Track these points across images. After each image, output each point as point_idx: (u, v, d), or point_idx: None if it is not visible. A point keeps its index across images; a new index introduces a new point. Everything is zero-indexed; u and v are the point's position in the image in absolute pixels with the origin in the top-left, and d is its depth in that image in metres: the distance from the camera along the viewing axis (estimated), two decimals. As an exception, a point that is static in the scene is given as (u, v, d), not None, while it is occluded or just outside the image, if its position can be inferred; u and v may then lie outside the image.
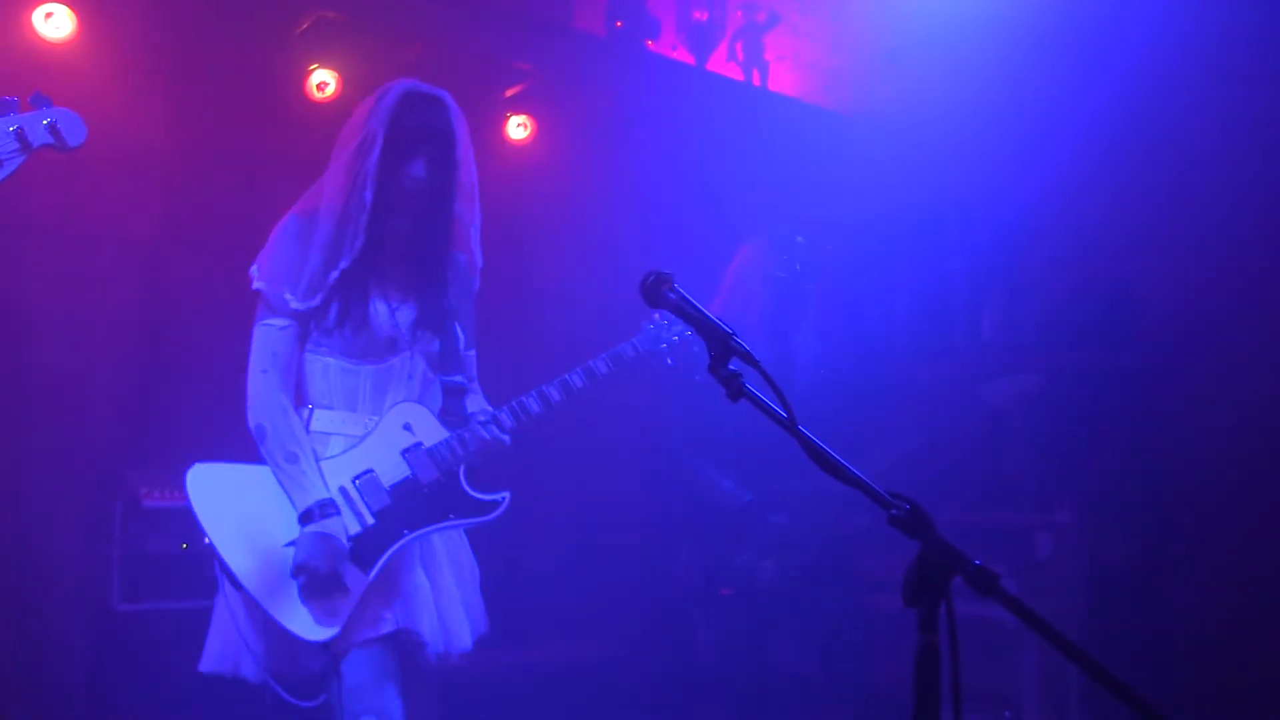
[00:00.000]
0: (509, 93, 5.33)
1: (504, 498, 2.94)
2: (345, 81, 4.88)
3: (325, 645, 2.69)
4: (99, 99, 4.29)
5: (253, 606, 2.67)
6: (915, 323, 5.47)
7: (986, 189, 5.20)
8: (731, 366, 1.98)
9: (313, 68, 4.82)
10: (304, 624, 2.66)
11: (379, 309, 2.90)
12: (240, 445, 4.80)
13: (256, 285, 2.86)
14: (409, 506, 2.83)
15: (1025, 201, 4.96)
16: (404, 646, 2.81)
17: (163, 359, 4.66)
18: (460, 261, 3.07)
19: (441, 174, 2.89)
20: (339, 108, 4.79)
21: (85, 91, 4.29)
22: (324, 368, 2.90)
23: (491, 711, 4.36)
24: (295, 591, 2.67)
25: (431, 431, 2.90)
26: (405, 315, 2.94)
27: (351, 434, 2.87)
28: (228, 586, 2.70)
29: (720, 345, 1.98)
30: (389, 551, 2.78)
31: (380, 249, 2.88)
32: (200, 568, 4.15)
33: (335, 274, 2.84)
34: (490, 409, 2.98)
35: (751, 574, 3.85)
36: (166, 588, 4.13)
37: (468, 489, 2.92)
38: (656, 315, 3.22)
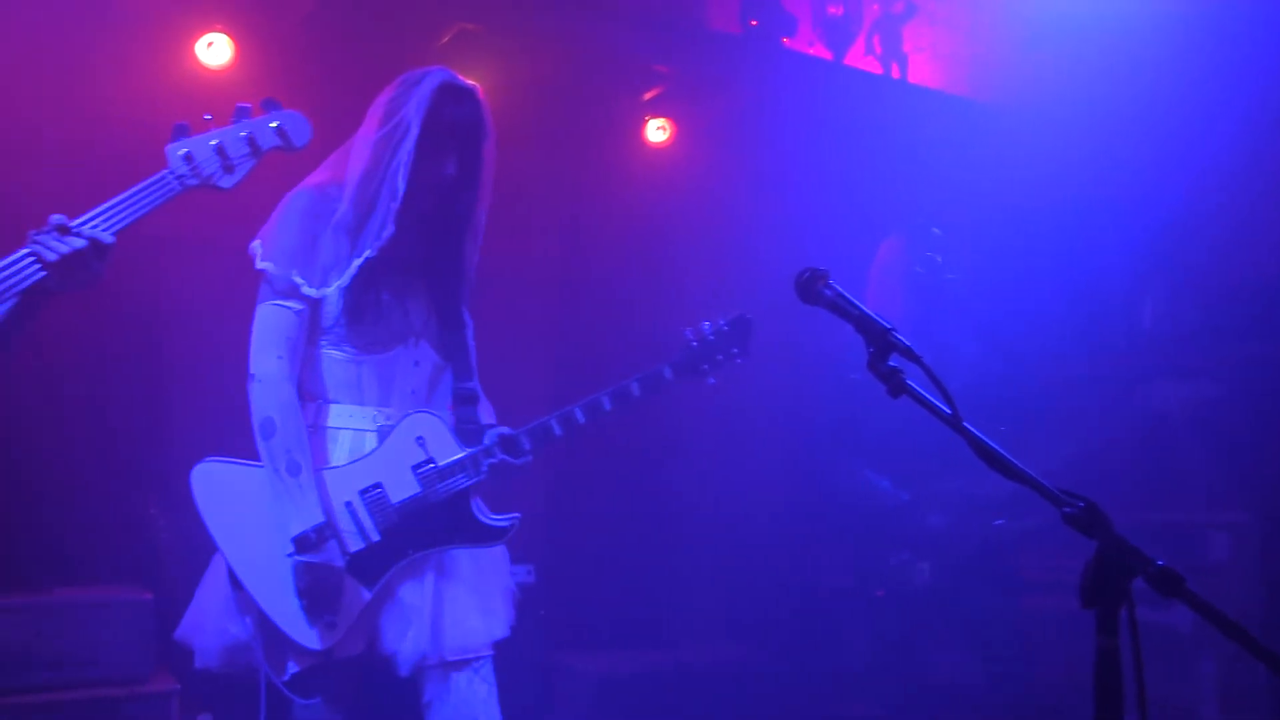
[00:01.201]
0: (647, 96, 5.35)
1: (512, 521, 2.84)
2: (486, 92, 4.93)
3: (323, 654, 2.68)
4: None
5: (257, 610, 2.67)
6: (1068, 317, 5.30)
7: (1141, 178, 5.00)
8: (891, 363, 1.94)
9: (456, 80, 4.90)
10: (303, 633, 2.66)
11: (391, 299, 2.83)
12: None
13: (261, 265, 2.73)
14: (416, 526, 2.75)
15: (1183, 191, 4.76)
16: (375, 664, 2.77)
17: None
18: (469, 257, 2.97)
19: (470, 170, 2.82)
20: (482, 118, 4.88)
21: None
22: (329, 361, 2.81)
23: (640, 714, 4.38)
24: (298, 604, 2.65)
25: (445, 447, 2.80)
26: (417, 307, 2.88)
27: (360, 428, 2.80)
28: (228, 581, 2.69)
29: (879, 341, 1.93)
30: (391, 570, 2.73)
31: (400, 239, 2.78)
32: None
33: (359, 263, 2.74)
34: (503, 427, 2.87)
35: (906, 575, 3.78)
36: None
37: (477, 513, 2.82)
38: (704, 326, 2.98)
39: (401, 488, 2.75)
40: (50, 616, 3.62)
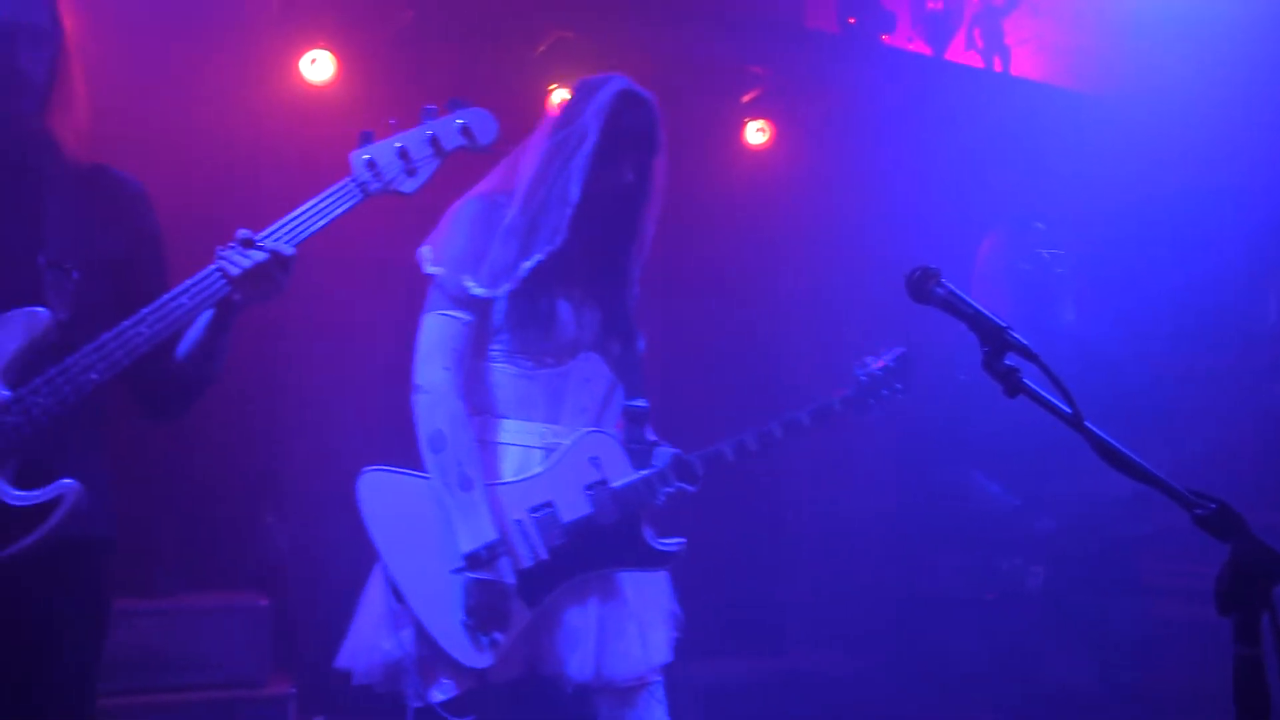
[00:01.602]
0: (746, 98, 5.31)
1: (679, 546, 2.80)
2: (584, 99, 4.97)
3: (481, 674, 2.62)
4: (357, 133, 4.55)
5: (417, 627, 2.61)
6: (1183, 312, 5.13)
7: (1259, 167, 4.83)
8: (1007, 362, 1.89)
9: (552, 87, 4.93)
10: (465, 651, 2.59)
11: (563, 312, 2.75)
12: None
13: (431, 269, 2.70)
14: (584, 547, 2.69)
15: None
16: (535, 687, 2.71)
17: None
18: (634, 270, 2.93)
19: (644, 180, 2.78)
20: (581, 125, 4.91)
21: (347, 129, 4.56)
22: (498, 374, 2.76)
23: (750, 721, 4.35)
24: (459, 620, 2.58)
25: (619, 468, 2.74)
26: (590, 318, 2.81)
27: (528, 444, 2.73)
28: (390, 596, 2.63)
29: (995, 339, 1.89)
30: (557, 590, 2.67)
31: (571, 247, 2.73)
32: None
33: (529, 265, 2.68)
34: (673, 449, 2.84)
35: (1018, 580, 3.69)
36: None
37: (647, 537, 2.77)
38: (870, 363, 3.03)
39: (573, 507, 2.70)
40: (174, 621, 3.73)
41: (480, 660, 2.59)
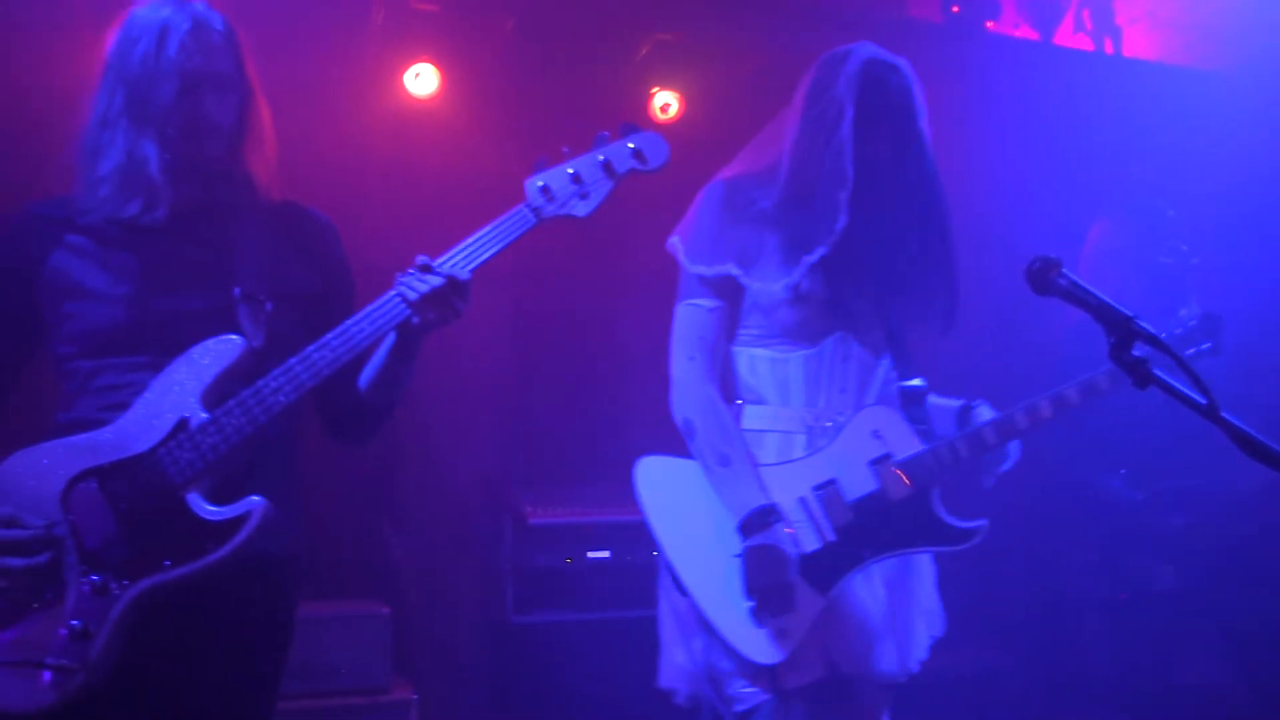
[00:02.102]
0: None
1: (982, 525, 2.56)
2: (686, 101, 4.97)
3: (771, 671, 2.43)
4: (463, 145, 4.61)
5: (698, 617, 2.46)
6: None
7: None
8: (1135, 353, 1.83)
9: (654, 90, 4.94)
10: (753, 645, 2.41)
11: (826, 293, 2.59)
12: (607, 461, 4.93)
13: (692, 266, 2.61)
14: (873, 526, 2.51)
15: None
16: (828, 690, 2.50)
17: (534, 385, 4.90)
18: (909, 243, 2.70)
19: (904, 148, 2.61)
20: (683, 127, 4.90)
21: (452, 141, 4.63)
22: (750, 359, 2.63)
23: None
24: (746, 609, 2.41)
25: (904, 441, 2.56)
26: (851, 299, 2.63)
27: (788, 430, 2.58)
28: (673, 591, 2.51)
29: (1122, 329, 1.83)
30: (848, 575, 2.48)
31: (848, 229, 2.54)
32: (584, 581, 4.37)
33: (812, 258, 2.54)
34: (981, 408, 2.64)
35: (1146, 578, 3.57)
36: (554, 600, 4.33)
37: (941, 512, 2.56)
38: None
39: (858, 483, 2.53)
40: (299, 628, 3.79)
41: (770, 654, 2.40)
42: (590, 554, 4.36)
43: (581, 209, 2.28)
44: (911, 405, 2.63)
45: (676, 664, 2.56)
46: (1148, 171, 4.80)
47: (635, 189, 2.38)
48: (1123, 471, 3.58)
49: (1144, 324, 1.81)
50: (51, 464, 2.11)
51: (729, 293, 2.61)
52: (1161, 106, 5.13)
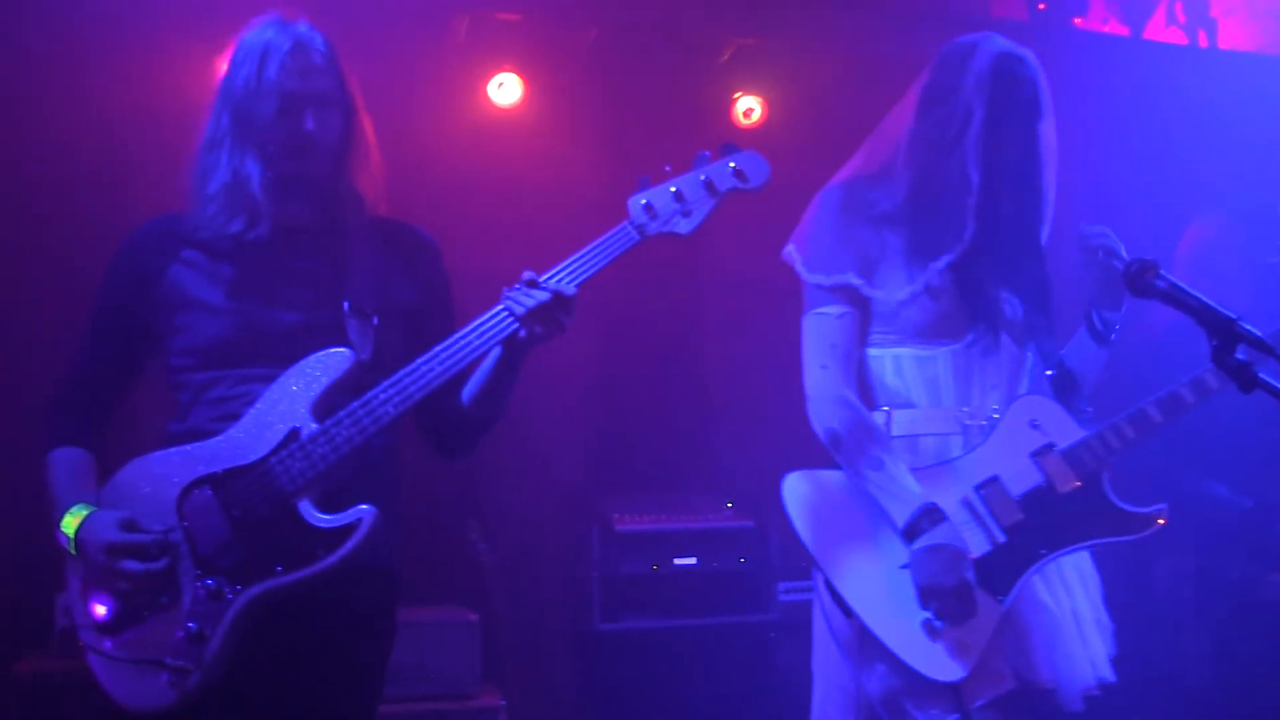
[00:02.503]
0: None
1: (1162, 508, 2.41)
2: (770, 105, 4.95)
3: (954, 688, 2.25)
4: (545, 154, 4.64)
5: (866, 640, 2.30)
6: None
7: None
8: (1239, 356, 1.78)
9: (737, 96, 4.92)
10: (932, 660, 2.24)
11: (964, 292, 2.48)
12: (684, 469, 4.92)
13: (809, 276, 2.51)
14: (1044, 521, 2.36)
15: None
16: (1023, 702, 2.34)
17: (620, 392, 4.91)
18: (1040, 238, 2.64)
19: (1035, 145, 2.51)
20: (766, 132, 4.88)
21: (535, 150, 4.66)
22: (895, 360, 2.50)
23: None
24: (919, 622, 2.26)
25: (1065, 429, 2.43)
26: (991, 295, 2.53)
27: (943, 432, 2.45)
28: (834, 615, 2.36)
29: (1224, 332, 1.78)
30: (1025, 575, 2.33)
31: (978, 233, 2.47)
32: (670, 588, 4.37)
33: (939, 265, 2.45)
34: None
35: (1253, 588, 3.46)
36: (640, 607, 4.34)
37: (1114, 499, 2.41)
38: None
39: (1021, 478, 2.40)
40: (391, 634, 3.86)
41: (952, 670, 2.24)
42: (677, 560, 4.36)
43: (684, 226, 2.30)
44: (1065, 392, 2.49)
45: (840, 694, 2.41)
46: (1247, 168, 4.66)
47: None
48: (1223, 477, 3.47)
49: (1248, 326, 1.76)
50: (167, 472, 2.19)
51: (856, 298, 2.49)
52: (1262, 99, 4.98)
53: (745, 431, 4.92)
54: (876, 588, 2.30)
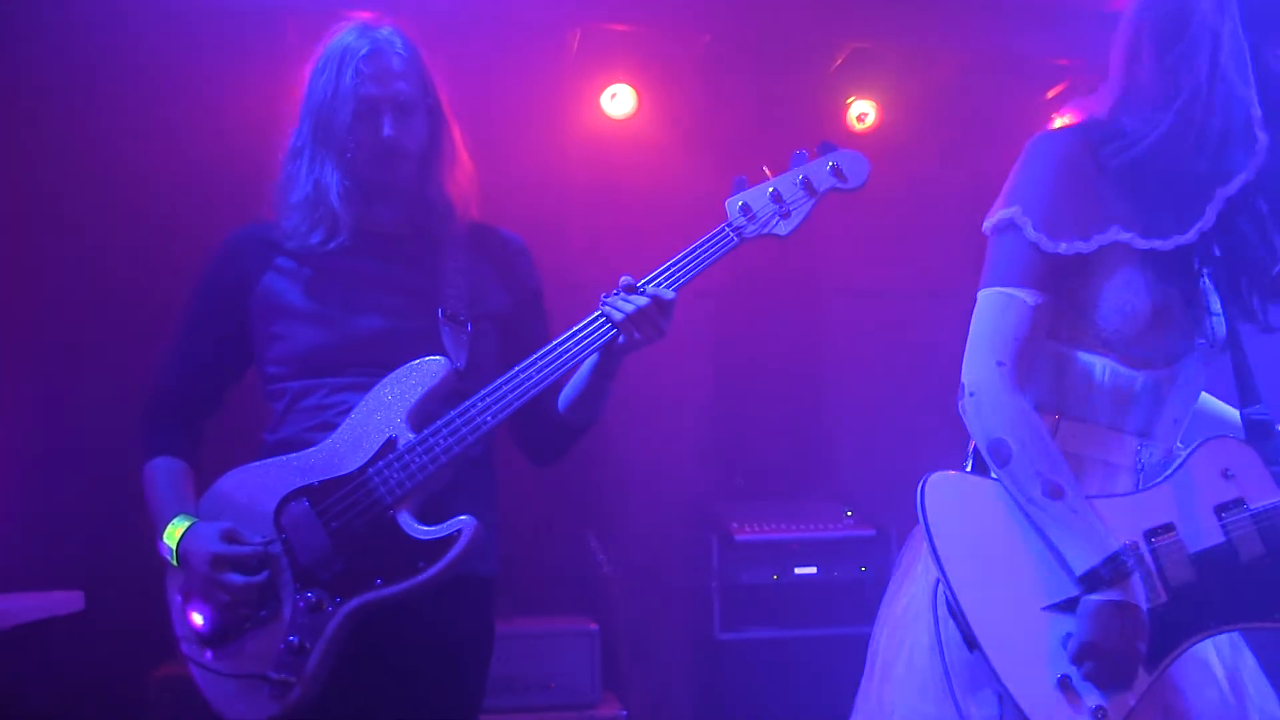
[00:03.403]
0: (1050, 94, 5.04)
1: None
2: (884, 109, 4.89)
3: None
4: (660, 163, 4.65)
5: (987, 676, 1.92)
6: None
7: None
8: None
9: (850, 100, 4.87)
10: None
11: (1189, 298, 2.05)
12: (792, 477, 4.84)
13: (997, 218, 2.04)
14: (1217, 588, 1.97)
15: None
16: None
17: (738, 401, 4.89)
18: None
19: None
20: (880, 136, 4.82)
21: (649, 161, 4.67)
22: (1087, 366, 2.06)
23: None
24: (1055, 679, 1.90)
25: (1261, 485, 2.01)
26: (1213, 308, 2.07)
27: (1116, 462, 2.07)
28: (948, 644, 1.97)
29: None
30: (1183, 647, 1.95)
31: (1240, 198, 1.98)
32: (790, 598, 4.33)
33: (1230, 189, 1.95)
34: None
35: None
36: (760, 617, 4.30)
37: None
38: None
39: (1200, 534, 1.99)
40: (509, 645, 3.87)
41: None
42: (797, 569, 4.32)
43: (783, 228, 2.25)
44: (1260, 440, 2.05)
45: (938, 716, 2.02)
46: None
47: (830, 200, 2.34)
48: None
49: None
50: (263, 483, 2.18)
51: (1060, 282, 2.03)
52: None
53: (865, 439, 4.85)
54: (1014, 625, 1.94)
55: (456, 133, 2.39)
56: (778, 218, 2.25)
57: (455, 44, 4.29)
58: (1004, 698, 1.89)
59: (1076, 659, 1.89)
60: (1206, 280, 2.04)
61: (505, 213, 4.10)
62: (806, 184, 2.25)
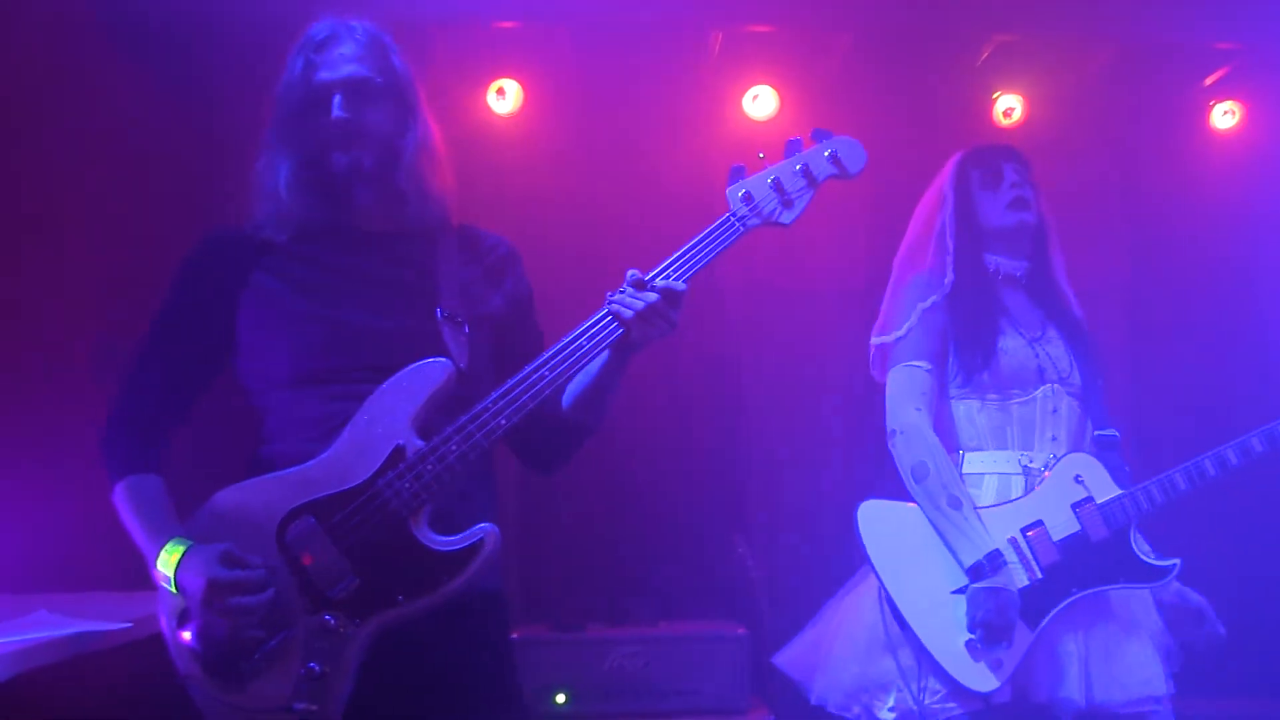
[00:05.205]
0: (1209, 80, 4.84)
1: (1175, 564, 2.81)
2: (1031, 102, 4.77)
3: (985, 698, 2.67)
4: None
5: (918, 650, 2.72)
6: None
7: None
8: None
9: (996, 95, 4.77)
10: (972, 675, 2.67)
11: (1023, 344, 2.95)
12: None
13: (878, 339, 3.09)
14: (1077, 564, 2.78)
15: None
16: (1022, 712, 2.74)
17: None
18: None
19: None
20: (1027, 131, 4.71)
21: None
22: (968, 410, 2.94)
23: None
24: (962, 642, 2.69)
25: (1103, 486, 2.84)
26: (1053, 351, 2.96)
27: (1005, 471, 2.87)
28: (886, 622, 2.76)
29: None
30: (1055, 609, 2.74)
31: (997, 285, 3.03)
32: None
33: (925, 306, 3.00)
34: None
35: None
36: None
37: (1138, 551, 2.81)
38: None
39: (1061, 525, 2.81)
40: (656, 649, 3.90)
41: (985, 683, 2.67)
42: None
43: (787, 217, 2.22)
44: (1107, 451, 2.89)
45: (844, 682, 2.83)
46: None
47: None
48: None
49: None
50: (263, 500, 2.03)
51: (938, 355, 2.96)
52: None
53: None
54: (930, 607, 2.73)
55: (435, 129, 2.30)
56: (780, 206, 2.22)
57: (599, 52, 4.36)
58: (918, 661, 2.71)
59: (971, 629, 2.68)
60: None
61: (652, 216, 4.15)
62: (806, 172, 2.22)
